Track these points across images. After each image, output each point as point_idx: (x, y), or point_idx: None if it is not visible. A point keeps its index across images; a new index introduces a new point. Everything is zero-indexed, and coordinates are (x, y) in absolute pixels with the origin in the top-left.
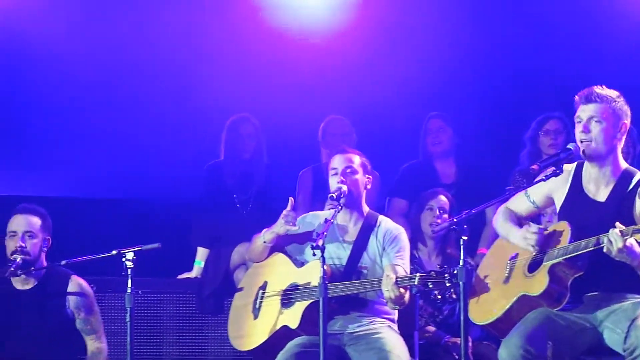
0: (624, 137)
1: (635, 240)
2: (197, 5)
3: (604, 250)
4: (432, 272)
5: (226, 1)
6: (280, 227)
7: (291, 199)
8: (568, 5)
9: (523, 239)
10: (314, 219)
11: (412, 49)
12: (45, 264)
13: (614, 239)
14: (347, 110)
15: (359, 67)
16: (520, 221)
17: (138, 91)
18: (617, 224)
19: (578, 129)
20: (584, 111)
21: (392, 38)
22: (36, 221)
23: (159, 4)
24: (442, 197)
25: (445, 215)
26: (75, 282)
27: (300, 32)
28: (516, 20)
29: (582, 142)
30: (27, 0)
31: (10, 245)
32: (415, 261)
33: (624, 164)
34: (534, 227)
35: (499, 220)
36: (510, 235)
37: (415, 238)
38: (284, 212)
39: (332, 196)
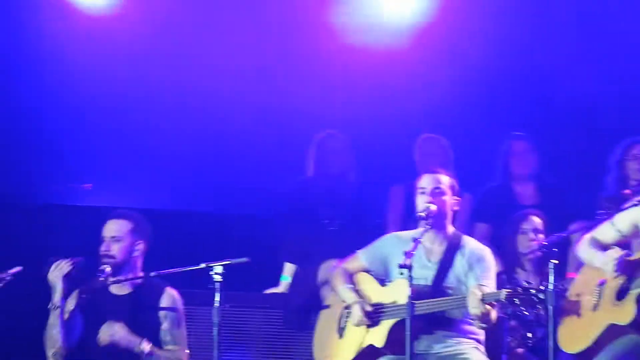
0: None
1: None
2: (287, 22)
3: None
4: (519, 288)
5: (312, 20)
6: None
7: None
8: None
9: (604, 263)
10: (397, 239)
11: (497, 66)
12: (140, 271)
13: None
14: (440, 128)
15: (448, 85)
16: (606, 249)
17: (229, 106)
18: None
19: None
20: None
21: (478, 54)
22: (124, 224)
23: (242, 24)
24: (535, 218)
25: (541, 236)
26: (169, 294)
27: (390, 49)
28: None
29: None
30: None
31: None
32: (514, 283)
33: None
34: (616, 251)
35: (583, 249)
36: (595, 259)
37: (513, 261)
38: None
39: (421, 215)
